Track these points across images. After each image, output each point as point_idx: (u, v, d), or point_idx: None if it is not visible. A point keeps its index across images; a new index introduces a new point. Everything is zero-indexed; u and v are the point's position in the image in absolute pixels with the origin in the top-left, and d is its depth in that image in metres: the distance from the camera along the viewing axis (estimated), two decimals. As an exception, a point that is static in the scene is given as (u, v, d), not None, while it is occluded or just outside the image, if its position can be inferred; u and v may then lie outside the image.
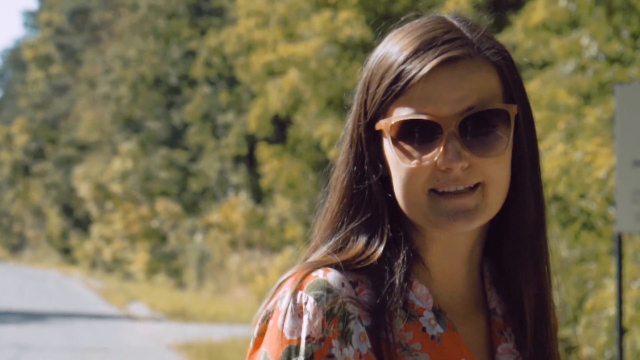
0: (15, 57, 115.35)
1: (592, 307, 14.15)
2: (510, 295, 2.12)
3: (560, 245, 14.81)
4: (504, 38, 17.53)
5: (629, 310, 13.23)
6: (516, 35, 16.37)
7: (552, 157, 13.06)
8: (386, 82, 2.05)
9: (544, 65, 17.01)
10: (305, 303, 2.01)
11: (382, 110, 2.06)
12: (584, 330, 14.23)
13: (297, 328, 2.00)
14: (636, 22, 13.37)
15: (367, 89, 2.09)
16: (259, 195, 40.75)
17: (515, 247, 2.11)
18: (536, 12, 14.83)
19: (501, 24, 19.68)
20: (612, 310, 13.73)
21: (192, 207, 47.92)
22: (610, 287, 13.96)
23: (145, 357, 22.30)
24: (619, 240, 10.35)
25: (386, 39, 2.10)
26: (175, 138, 48.88)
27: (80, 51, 73.04)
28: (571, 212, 14.36)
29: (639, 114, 10.36)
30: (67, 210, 73.23)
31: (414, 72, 2.03)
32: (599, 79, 13.93)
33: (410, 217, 2.06)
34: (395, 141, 2.04)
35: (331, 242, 2.09)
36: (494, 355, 2.10)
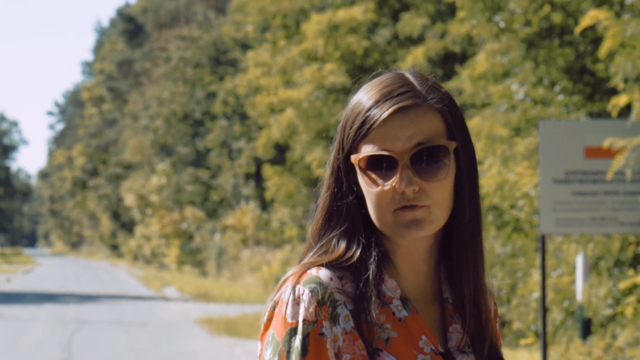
0: (75, 98, 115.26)
1: (521, 292, 14.15)
2: (456, 285, 2.13)
3: (496, 244, 14.82)
4: (453, 84, 17.57)
5: (550, 294, 13.23)
6: (463, 83, 16.39)
7: (490, 176, 13.07)
8: (355, 125, 2.07)
9: (484, 105, 17.04)
10: (302, 294, 2.03)
11: (354, 147, 2.08)
12: (515, 309, 14.22)
13: (296, 313, 2.02)
14: (554, 72, 13.39)
15: (344, 131, 2.11)
16: (264, 204, 40.73)
17: (457, 247, 2.12)
18: (480, 65, 14.85)
19: (450, 74, 19.69)
20: (536, 294, 13.74)
21: (212, 213, 47.89)
22: (535, 276, 13.96)
23: (176, 329, 22.25)
24: (542, 240, 10.35)
25: (358, 91, 2.12)
26: (199, 160, 48.86)
27: (125, 93, 73.03)
28: (504, 218, 14.36)
29: (558, 143, 10.37)
30: (116, 215, 73.14)
31: (375, 117, 2.05)
32: (526, 116, 13.94)
33: (379, 228, 2.08)
34: (364, 171, 2.07)
35: (318, 246, 2.11)
36: (447, 333, 2.12)
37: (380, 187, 2.05)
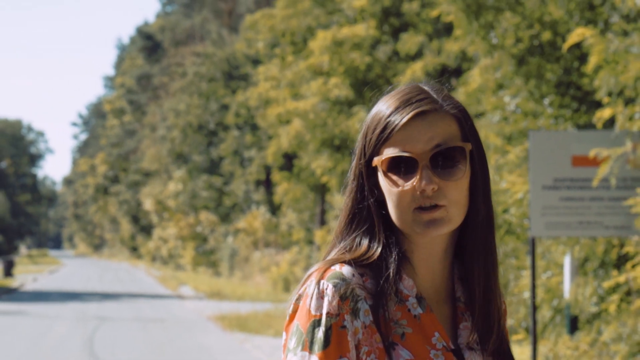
0: (98, 110, 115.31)
1: (513, 291, 14.15)
2: (468, 285, 2.12)
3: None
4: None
5: (539, 293, 13.23)
6: (458, 96, 16.40)
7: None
8: (377, 130, 2.06)
9: (478, 116, 17.03)
10: (326, 288, 2.02)
11: (376, 151, 2.07)
12: (507, 307, 14.22)
13: (320, 306, 2.01)
14: (544, 86, 13.40)
15: (365, 137, 2.09)
16: (273, 209, 40.73)
17: (471, 247, 2.11)
18: (474, 81, 14.86)
19: (446, 87, 19.68)
20: (527, 293, 13.73)
21: (225, 217, 47.90)
22: (526, 276, 13.96)
23: (191, 326, 22.26)
24: (533, 242, 10.35)
25: (378, 102, 2.12)
26: (213, 167, 48.88)
27: (144, 105, 73.07)
28: (497, 222, 14.38)
29: (547, 152, 10.37)
30: (135, 219, 73.17)
31: (396, 122, 2.05)
32: (517, 126, 13.95)
33: (400, 227, 2.07)
34: (386, 173, 2.06)
35: (341, 245, 2.10)
36: (457, 330, 2.11)
37: (401, 187, 2.04)
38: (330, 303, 2.01)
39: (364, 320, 2.02)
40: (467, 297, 2.13)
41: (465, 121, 2.09)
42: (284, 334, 2.07)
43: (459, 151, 2.05)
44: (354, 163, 2.12)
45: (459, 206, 2.06)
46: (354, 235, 2.09)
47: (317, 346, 2.00)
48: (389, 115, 2.06)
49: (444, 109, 2.07)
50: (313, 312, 2.02)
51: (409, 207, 2.04)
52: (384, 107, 2.09)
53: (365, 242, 2.08)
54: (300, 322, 2.03)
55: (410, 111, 2.05)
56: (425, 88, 2.11)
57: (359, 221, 2.09)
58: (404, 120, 2.04)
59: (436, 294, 2.11)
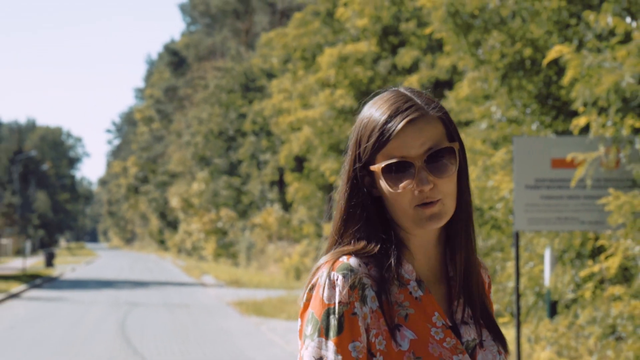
0: (129, 118, 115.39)
1: (499, 280, 14.15)
2: (451, 263, 2.13)
3: (477, 239, 14.81)
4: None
5: (523, 281, 13.23)
6: (450, 104, 16.42)
7: (471, 182, 13.06)
8: (373, 139, 2.06)
9: (468, 123, 17.06)
10: (337, 279, 2.02)
11: (372, 157, 2.07)
12: (493, 295, 14.22)
13: (332, 296, 2.01)
14: (526, 97, 13.40)
15: (359, 144, 2.08)
16: (286, 206, 40.74)
17: (455, 230, 2.11)
18: (463, 90, 14.88)
19: (439, 97, 19.70)
20: (512, 283, 13.74)
21: (243, 214, 47.93)
22: (511, 267, 13.96)
23: (213, 310, 22.29)
24: (516, 236, 10.36)
25: (367, 108, 2.10)
26: (232, 169, 48.91)
27: (171, 114, 73.14)
28: (484, 217, 14.37)
29: (529, 155, 10.38)
30: (163, 216, 73.22)
31: (390, 130, 2.04)
32: (503, 133, 13.96)
33: (400, 224, 2.07)
34: (384, 177, 2.06)
35: (343, 241, 2.09)
36: (452, 307, 2.12)
37: (400, 189, 2.04)
38: (341, 293, 2.00)
39: (371, 306, 2.02)
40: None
41: (448, 121, 2.09)
42: (299, 320, 2.07)
43: (448, 151, 2.05)
44: (346, 167, 2.10)
45: (452, 198, 2.06)
46: (351, 231, 2.08)
47: (332, 332, 1.99)
48: (383, 125, 2.05)
49: (430, 113, 2.07)
50: (326, 301, 2.01)
51: (410, 205, 2.04)
52: (376, 114, 2.07)
53: (364, 236, 2.07)
54: (315, 311, 2.02)
55: (401, 120, 2.04)
56: (408, 94, 2.09)
57: (355, 219, 2.08)
58: (398, 128, 2.03)
59: (432, 276, 2.11)
